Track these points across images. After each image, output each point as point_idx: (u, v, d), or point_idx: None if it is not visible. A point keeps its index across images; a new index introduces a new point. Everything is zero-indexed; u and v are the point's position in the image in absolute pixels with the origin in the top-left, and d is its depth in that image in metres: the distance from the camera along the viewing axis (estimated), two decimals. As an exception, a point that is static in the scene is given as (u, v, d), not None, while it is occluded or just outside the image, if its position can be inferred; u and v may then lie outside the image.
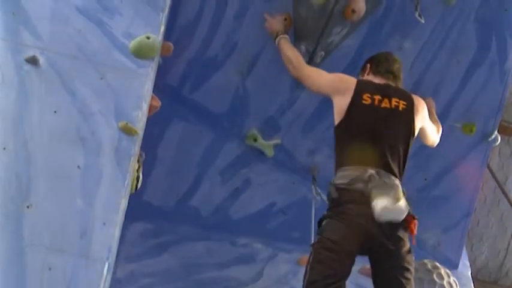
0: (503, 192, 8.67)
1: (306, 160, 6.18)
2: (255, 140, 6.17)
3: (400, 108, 5.14)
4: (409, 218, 4.96)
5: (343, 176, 4.98)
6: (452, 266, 6.82)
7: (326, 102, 5.38)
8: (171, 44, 5.47)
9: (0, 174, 3.96)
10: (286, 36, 5.66)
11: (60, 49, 4.63)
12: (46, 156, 4.15)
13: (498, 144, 6.97)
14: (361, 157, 4.98)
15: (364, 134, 5.06)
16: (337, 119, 5.17)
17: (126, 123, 4.44)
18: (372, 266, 5.04)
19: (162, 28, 5.15)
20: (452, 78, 6.30)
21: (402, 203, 4.80)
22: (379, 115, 5.10)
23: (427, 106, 5.52)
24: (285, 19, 5.76)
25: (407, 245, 4.99)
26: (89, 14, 4.93)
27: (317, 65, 5.94)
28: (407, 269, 4.94)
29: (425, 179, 6.69)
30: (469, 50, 6.27)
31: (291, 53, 5.54)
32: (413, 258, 5.04)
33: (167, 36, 5.37)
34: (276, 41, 5.63)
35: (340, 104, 5.16)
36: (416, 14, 5.88)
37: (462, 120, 6.49)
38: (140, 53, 4.85)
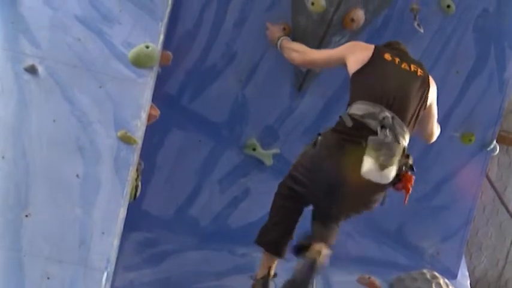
0: (502, 202, 8.65)
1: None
2: (254, 149, 6.17)
3: (419, 74, 5.18)
4: (404, 175, 4.99)
5: (358, 109, 4.98)
6: (451, 275, 6.80)
7: (325, 111, 5.39)
8: (170, 53, 5.47)
9: (-2, 182, 3.97)
10: (287, 37, 5.69)
11: (59, 58, 4.64)
12: (45, 165, 4.15)
13: (497, 154, 6.98)
14: (381, 98, 4.99)
15: (385, 81, 5.07)
16: (356, 67, 5.16)
17: (125, 132, 4.44)
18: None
19: (161, 37, 5.16)
20: (451, 87, 6.30)
21: (389, 170, 4.79)
22: (400, 72, 5.14)
23: None
24: (284, 28, 5.77)
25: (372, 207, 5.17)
26: (88, 23, 4.94)
27: (316, 74, 5.95)
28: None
29: (424, 189, 6.67)
30: (468, 60, 6.28)
31: (294, 44, 5.61)
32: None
33: (166, 45, 5.38)
34: (278, 44, 5.66)
35: (361, 57, 5.17)
36: (415, 24, 5.87)
37: (461, 129, 6.49)
38: (139, 62, 4.86)
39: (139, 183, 4.81)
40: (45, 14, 4.87)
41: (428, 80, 5.25)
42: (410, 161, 5.00)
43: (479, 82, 6.37)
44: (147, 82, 4.83)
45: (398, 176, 4.95)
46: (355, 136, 4.88)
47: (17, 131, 4.18)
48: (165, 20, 5.29)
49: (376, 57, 5.15)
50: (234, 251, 6.30)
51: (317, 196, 5.08)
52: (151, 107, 4.79)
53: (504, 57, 6.31)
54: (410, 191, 5.08)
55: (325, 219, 5.21)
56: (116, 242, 4.12)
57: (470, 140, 6.53)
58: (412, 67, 5.19)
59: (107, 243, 4.06)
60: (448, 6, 5.99)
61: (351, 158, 4.82)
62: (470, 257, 9.30)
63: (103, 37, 4.93)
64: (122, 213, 4.21)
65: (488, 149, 6.63)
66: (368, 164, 4.76)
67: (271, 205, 5.22)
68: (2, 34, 4.59)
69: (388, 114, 4.93)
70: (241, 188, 6.29)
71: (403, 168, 4.96)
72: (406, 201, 5.19)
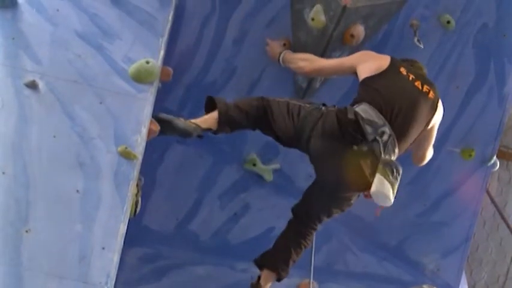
0: (502, 217, 8.64)
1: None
2: (254, 164, 6.17)
3: (429, 96, 5.13)
4: None
5: (364, 111, 4.96)
6: (452, 291, 6.81)
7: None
8: (170, 69, 5.48)
9: (-1, 198, 3.96)
10: (289, 50, 5.72)
11: (59, 74, 4.65)
12: (45, 181, 4.15)
13: (497, 169, 6.97)
14: (387, 110, 4.97)
15: (396, 95, 5.03)
16: (369, 73, 5.14)
17: (125, 148, 4.45)
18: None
19: (162, 53, 5.17)
20: (451, 103, 6.30)
21: (392, 195, 4.83)
22: (412, 89, 5.09)
23: None
24: (284, 44, 5.79)
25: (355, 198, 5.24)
26: (89, 39, 4.96)
27: (316, 90, 5.96)
28: (335, 212, 5.32)
29: (424, 204, 6.68)
30: (468, 75, 6.29)
31: (301, 54, 5.62)
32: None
33: (166, 61, 5.39)
34: (281, 59, 5.68)
35: (374, 65, 5.15)
36: (415, 39, 5.89)
37: (461, 145, 6.49)
38: (139, 78, 4.87)
39: (140, 199, 4.81)
40: (46, 30, 4.89)
41: (437, 103, 5.21)
42: None
43: (479, 97, 6.38)
44: (148, 97, 4.84)
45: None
46: (349, 134, 4.89)
47: (17, 146, 4.19)
48: (166, 35, 5.30)
49: (391, 68, 5.13)
50: (234, 266, 6.29)
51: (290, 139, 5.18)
52: (151, 122, 4.79)
53: (504, 73, 6.33)
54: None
55: (304, 217, 5.37)
56: (116, 258, 4.11)
57: (470, 156, 6.53)
58: (425, 87, 5.13)
59: (107, 259, 4.06)
60: (448, 22, 6.01)
61: (337, 153, 4.88)
62: (470, 272, 9.30)
63: (103, 53, 4.95)
64: (122, 228, 4.21)
65: (489, 164, 6.63)
66: (383, 187, 4.77)
67: None
68: (2, 50, 4.60)
69: (387, 131, 4.92)
70: (242, 203, 6.29)
71: None
72: (378, 213, 5.28)
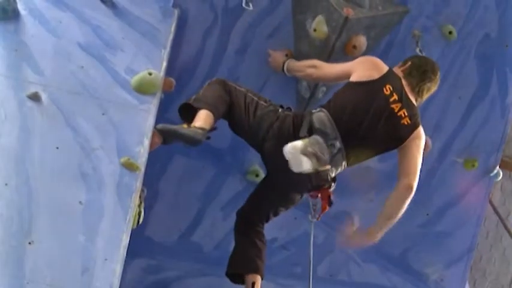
0: (506, 228, 8.63)
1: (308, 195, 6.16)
2: (257, 175, 6.16)
3: (402, 122, 5.08)
4: (324, 189, 5.19)
5: (320, 120, 5.01)
6: (455, 301, 6.81)
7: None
8: (173, 80, 5.49)
9: (2, 210, 3.95)
10: (292, 59, 5.75)
11: (62, 85, 4.66)
12: (48, 192, 4.14)
13: (500, 180, 6.98)
14: (343, 126, 4.98)
15: (361, 112, 5.04)
16: (354, 79, 5.15)
17: (128, 159, 4.45)
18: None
19: (164, 64, 5.18)
20: (454, 113, 6.31)
21: (307, 160, 4.81)
22: (384, 110, 5.06)
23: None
24: (286, 55, 5.79)
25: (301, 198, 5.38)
26: (91, 51, 4.97)
27: (318, 101, 5.96)
28: (281, 210, 5.47)
29: (427, 214, 6.68)
30: (470, 86, 6.29)
31: (307, 61, 5.61)
32: None
33: (169, 72, 5.40)
34: (285, 68, 5.70)
35: (365, 73, 5.14)
36: (417, 50, 5.90)
37: (464, 155, 6.50)
38: (142, 89, 4.88)
39: (142, 210, 4.80)
40: (49, 42, 4.90)
41: (412, 130, 5.14)
42: (333, 187, 5.19)
43: (481, 108, 6.39)
44: (150, 109, 4.84)
45: (319, 187, 5.15)
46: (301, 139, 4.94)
47: (20, 158, 4.18)
48: (168, 47, 5.31)
49: (376, 83, 5.10)
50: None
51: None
52: (154, 133, 4.79)
53: (506, 83, 6.34)
54: (326, 209, 5.29)
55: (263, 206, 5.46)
56: (119, 269, 4.10)
57: (473, 166, 6.54)
58: (401, 112, 5.08)
59: (109, 270, 4.05)
60: (450, 33, 6.02)
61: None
62: (474, 283, 9.29)
63: (106, 64, 4.96)
64: (125, 239, 4.20)
65: (491, 174, 6.64)
66: (295, 144, 4.82)
67: None
68: (5, 62, 4.61)
69: (338, 144, 4.97)
70: (244, 214, 6.29)
71: (325, 183, 5.12)
72: (319, 217, 5.41)
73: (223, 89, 5.18)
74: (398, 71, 5.30)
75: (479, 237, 7.36)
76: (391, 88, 5.09)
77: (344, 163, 5.08)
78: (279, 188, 5.32)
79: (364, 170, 6.39)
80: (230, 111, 5.15)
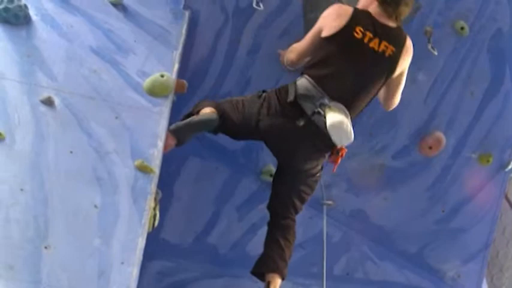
0: (522, 222, 8.61)
1: (323, 194, 6.15)
2: (271, 175, 6.14)
3: (387, 54, 5.06)
4: (342, 148, 5.12)
5: (302, 85, 5.02)
6: (473, 298, 6.79)
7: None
8: (185, 82, 5.49)
9: (17, 215, 3.95)
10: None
11: (75, 89, 4.67)
12: (63, 197, 4.15)
13: (515, 174, 6.94)
14: (326, 83, 4.98)
15: (340, 65, 5.02)
16: (325, 32, 5.10)
17: (142, 162, 4.45)
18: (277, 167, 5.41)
19: (176, 66, 5.19)
20: (467, 109, 6.29)
21: (349, 124, 4.89)
22: (363, 54, 5.03)
23: None
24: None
25: (317, 169, 5.22)
26: (103, 54, 4.98)
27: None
28: (303, 191, 5.27)
29: (443, 211, 6.65)
30: (483, 81, 6.27)
31: (289, 48, 5.55)
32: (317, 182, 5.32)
33: (181, 73, 5.39)
34: (285, 63, 5.66)
35: (331, 25, 5.08)
36: (429, 46, 5.88)
37: (478, 151, 6.47)
38: (154, 91, 4.89)
39: (158, 212, 4.80)
40: (61, 47, 4.90)
41: (400, 54, 5.12)
42: None
43: (495, 103, 6.36)
44: (163, 111, 4.85)
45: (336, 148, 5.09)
46: (289, 111, 4.97)
47: (34, 163, 4.19)
48: (180, 49, 5.32)
49: (346, 30, 5.03)
50: (254, 277, 6.27)
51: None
52: (167, 135, 4.79)
53: (519, 77, 6.31)
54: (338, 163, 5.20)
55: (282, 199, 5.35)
56: (136, 272, 4.10)
57: (488, 161, 6.52)
58: (382, 45, 5.04)
59: (126, 274, 4.05)
60: (462, 28, 6.00)
61: (284, 128, 4.99)
62: (491, 278, 9.24)
63: (118, 67, 4.96)
64: (141, 242, 4.20)
65: (507, 169, 6.61)
66: (338, 120, 4.84)
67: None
68: (18, 67, 4.62)
69: (326, 101, 4.94)
70: (259, 214, 6.26)
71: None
72: (334, 170, 5.29)
73: (211, 103, 5.22)
74: (368, 1, 5.23)
75: (496, 233, 7.33)
76: (362, 28, 5.04)
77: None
78: (287, 165, 5.26)
79: (377, 168, 6.40)
80: (223, 122, 5.12)
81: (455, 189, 6.57)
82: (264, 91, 5.19)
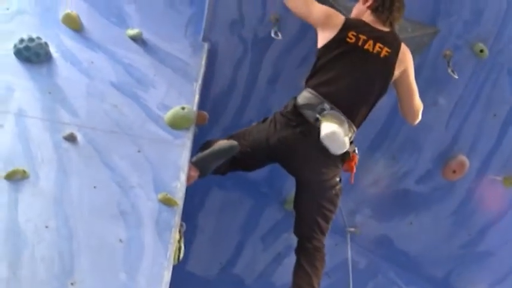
0: (550, 243, 8.53)
1: (347, 221, 6.14)
2: (295, 205, 6.15)
3: (382, 55, 5.07)
4: (353, 154, 5.10)
5: (303, 97, 5.03)
6: (501, 321, 6.73)
7: (363, 165, 5.34)
8: (206, 113, 5.50)
9: (43, 252, 3.96)
10: None
11: (97, 125, 4.69)
12: (88, 232, 4.15)
13: (540, 195, 6.89)
14: (325, 89, 4.98)
15: (337, 69, 5.03)
16: (319, 43, 5.15)
17: (166, 195, 4.45)
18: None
19: (197, 98, 5.21)
20: (490, 131, 6.26)
21: (347, 139, 4.86)
22: (359, 56, 5.05)
23: None
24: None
25: (334, 180, 5.10)
26: (124, 89, 5.01)
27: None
28: (324, 207, 5.13)
29: (469, 235, 6.62)
30: (504, 103, 6.24)
31: None
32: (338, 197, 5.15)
33: (202, 105, 5.42)
34: None
35: (324, 36, 5.13)
36: (449, 70, 5.86)
37: (502, 173, 6.44)
38: (176, 124, 4.90)
39: (182, 245, 4.80)
40: (82, 83, 4.94)
41: (396, 56, 5.13)
42: (355, 148, 5.11)
43: (517, 124, 6.34)
44: (185, 143, 4.86)
45: (348, 156, 5.07)
46: (293, 121, 4.96)
47: (58, 199, 4.20)
48: (200, 80, 5.34)
49: (339, 38, 5.08)
50: (280, 307, 6.29)
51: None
52: (190, 167, 4.80)
53: (540, 98, 6.28)
54: (354, 170, 5.13)
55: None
56: (162, 305, 4.10)
57: (512, 184, 6.48)
58: (377, 47, 5.07)
59: (153, 307, 4.05)
60: (481, 51, 5.98)
61: (291, 137, 4.96)
62: (520, 301, 9.15)
63: (139, 101, 4.99)
64: (167, 276, 4.19)
65: (532, 190, 6.57)
66: (332, 128, 4.81)
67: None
68: (40, 105, 4.65)
69: (327, 105, 4.93)
70: (284, 243, 6.27)
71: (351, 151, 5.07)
72: (352, 180, 5.19)
73: (219, 139, 5.18)
74: (362, 8, 5.28)
75: (523, 255, 7.27)
76: (355, 32, 5.07)
77: (344, 118, 4.97)
78: (302, 174, 5.17)
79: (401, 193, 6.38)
80: (240, 157, 5.11)
81: (480, 213, 6.54)
82: (266, 118, 5.20)
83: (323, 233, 5.24)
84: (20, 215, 4.02)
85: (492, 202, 6.50)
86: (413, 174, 6.42)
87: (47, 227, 4.06)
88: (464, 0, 5.76)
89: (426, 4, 5.75)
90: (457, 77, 5.89)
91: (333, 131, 4.81)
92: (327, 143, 4.83)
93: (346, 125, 4.91)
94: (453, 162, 6.28)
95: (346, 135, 4.88)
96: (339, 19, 5.16)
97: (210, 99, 5.84)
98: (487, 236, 6.63)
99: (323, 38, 5.14)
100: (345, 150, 4.90)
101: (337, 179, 5.15)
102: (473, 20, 5.90)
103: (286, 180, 6.01)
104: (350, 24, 5.13)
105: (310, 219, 5.21)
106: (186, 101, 5.10)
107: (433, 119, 6.06)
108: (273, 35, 5.66)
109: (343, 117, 4.92)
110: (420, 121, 5.38)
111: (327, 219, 5.21)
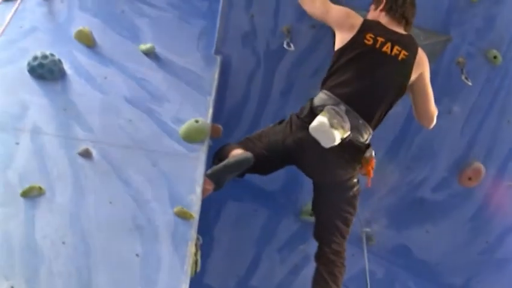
0: None
1: (364, 231, 6.13)
2: (311, 214, 6.12)
3: (399, 58, 5.07)
4: (370, 158, 5.04)
5: (319, 99, 5.02)
6: (521, 329, 6.70)
7: (378, 173, 5.33)
8: (220, 126, 5.51)
9: (60, 268, 3.97)
10: None
11: (111, 140, 4.71)
12: (104, 247, 4.16)
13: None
14: (341, 90, 4.98)
15: (354, 71, 5.02)
16: (337, 45, 5.15)
17: (181, 208, 4.46)
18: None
19: (210, 111, 5.22)
20: (505, 137, 6.24)
21: (336, 132, 4.79)
22: (376, 58, 5.06)
23: None
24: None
25: (352, 181, 5.10)
26: (138, 103, 5.03)
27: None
28: (342, 209, 5.14)
29: (487, 242, 6.59)
30: (519, 109, 6.23)
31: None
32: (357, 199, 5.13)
33: (216, 118, 5.42)
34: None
35: (342, 37, 5.13)
36: (463, 77, 5.85)
37: (519, 179, 6.42)
38: (190, 137, 4.91)
39: (199, 258, 4.80)
40: (96, 99, 4.96)
41: (414, 60, 5.13)
42: (372, 152, 5.05)
43: (532, 130, 6.31)
44: (200, 156, 4.87)
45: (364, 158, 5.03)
46: (309, 123, 4.89)
47: (75, 215, 4.22)
48: (213, 94, 5.35)
49: (356, 40, 5.08)
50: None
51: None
52: (205, 180, 4.81)
53: (555, 103, 6.25)
54: (371, 174, 5.07)
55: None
56: (180, 319, 4.10)
57: (528, 189, 6.46)
58: (395, 49, 5.07)
59: (170, 321, 4.05)
60: (495, 57, 5.96)
61: (306, 138, 4.88)
62: (540, 307, 9.10)
63: (153, 115, 5.01)
64: (184, 289, 4.20)
65: (549, 196, 6.54)
66: (320, 120, 4.80)
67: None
68: (54, 121, 4.67)
69: (342, 107, 4.92)
70: (301, 255, 6.27)
71: (367, 155, 5.03)
72: (369, 184, 5.13)
73: (234, 145, 5.19)
74: (376, 13, 5.29)
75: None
76: (373, 35, 5.08)
77: (361, 121, 4.98)
78: (319, 176, 5.18)
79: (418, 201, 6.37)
80: (256, 160, 5.06)
81: (497, 219, 6.51)
82: (282, 120, 5.20)
83: (343, 237, 5.22)
84: (37, 232, 4.03)
85: (509, 208, 6.47)
86: (429, 182, 6.40)
87: (63, 243, 4.08)
88: (477, 8, 5.75)
89: (438, 13, 5.74)
90: (470, 84, 5.88)
91: (320, 122, 4.80)
92: (314, 134, 4.82)
93: (348, 124, 4.87)
94: (469, 169, 6.26)
95: (341, 129, 4.82)
96: (358, 20, 5.18)
97: (224, 112, 5.85)
98: (505, 242, 6.60)
99: (341, 39, 5.15)
100: (335, 144, 4.82)
101: (355, 180, 5.15)
102: (485, 27, 5.88)
103: (301, 190, 6.03)
104: (368, 26, 5.14)
105: (329, 222, 5.20)
106: (199, 114, 5.11)
107: (448, 126, 6.05)
108: (285, 46, 5.67)
109: (343, 115, 4.89)
110: (435, 129, 5.38)
111: (346, 222, 5.19)
